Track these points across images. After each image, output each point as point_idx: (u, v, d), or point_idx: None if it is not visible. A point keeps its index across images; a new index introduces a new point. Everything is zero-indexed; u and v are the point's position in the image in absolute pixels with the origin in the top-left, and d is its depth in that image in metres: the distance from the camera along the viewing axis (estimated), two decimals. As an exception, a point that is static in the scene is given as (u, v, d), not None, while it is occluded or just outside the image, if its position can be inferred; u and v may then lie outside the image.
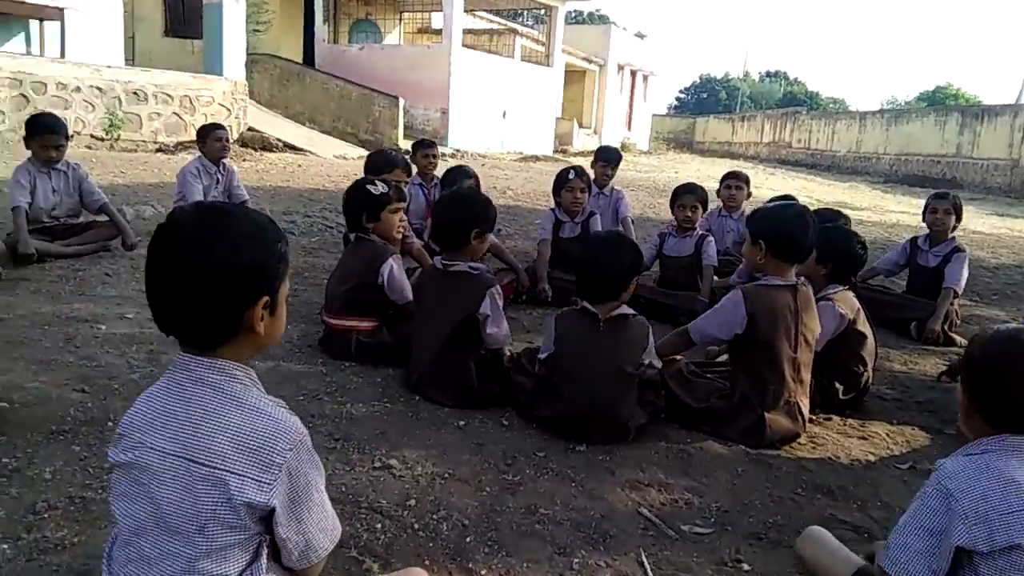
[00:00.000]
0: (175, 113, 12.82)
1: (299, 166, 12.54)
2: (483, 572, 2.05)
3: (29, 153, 5.02)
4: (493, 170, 15.20)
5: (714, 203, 6.00)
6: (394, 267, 3.56)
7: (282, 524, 1.41)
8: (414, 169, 6.57)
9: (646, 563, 2.17)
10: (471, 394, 3.14)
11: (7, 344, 3.38)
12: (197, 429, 1.40)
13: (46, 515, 2.12)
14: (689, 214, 5.07)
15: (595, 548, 2.22)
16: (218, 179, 6.21)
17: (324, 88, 18.02)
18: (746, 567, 2.20)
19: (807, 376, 3.15)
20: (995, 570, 1.62)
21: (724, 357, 3.53)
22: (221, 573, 1.39)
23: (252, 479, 1.38)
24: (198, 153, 6.19)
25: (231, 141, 6.24)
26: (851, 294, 3.60)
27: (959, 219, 5.29)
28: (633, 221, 6.53)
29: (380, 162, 4.48)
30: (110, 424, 2.69)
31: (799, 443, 3.11)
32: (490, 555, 2.14)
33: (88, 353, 3.36)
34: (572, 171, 5.26)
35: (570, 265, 5.25)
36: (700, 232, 5.15)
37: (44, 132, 4.97)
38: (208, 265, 1.38)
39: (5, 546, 1.96)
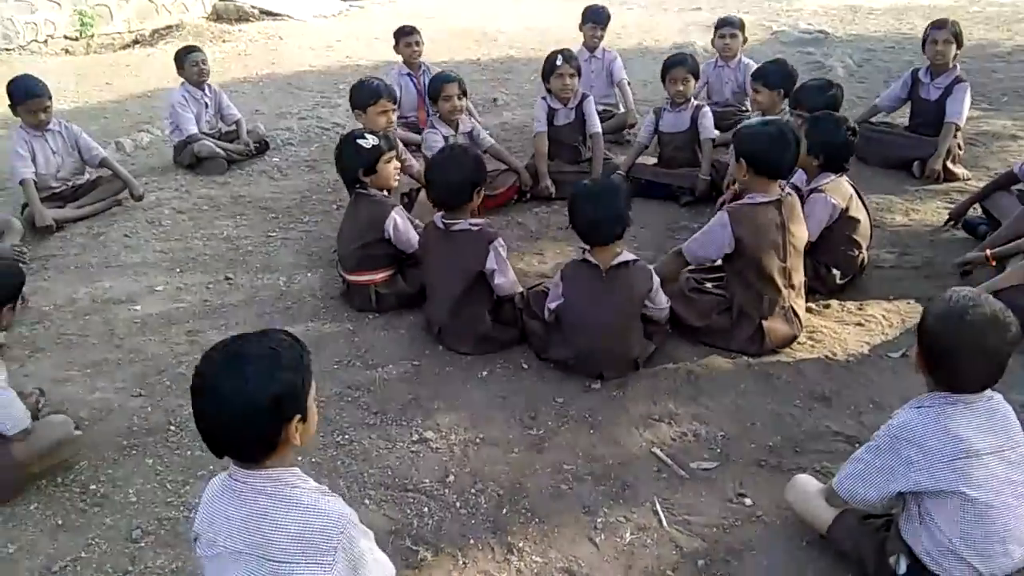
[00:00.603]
0: (143, -4, 12.28)
1: (280, 39, 12.11)
2: (520, 544, 2.39)
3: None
4: (481, 3, 14.52)
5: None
6: (397, 220, 3.69)
7: None
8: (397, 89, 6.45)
9: (660, 511, 2.49)
10: (489, 341, 3.39)
11: (57, 345, 3.66)
12: (262, 532, 1.66)
13: (143, 543, 2.47)
14: (680, 87, 4.98)
15: (615, 502, 2.55)
16: (206, 103, 6.17)
17: (289, -66, 16.85)
18: (748, 502, 2.52)
19: (799, 279, 3.33)
20: (938, 508, 1.91)
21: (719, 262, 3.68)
22: None
23: (315, 564, 1.66)
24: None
25: (207, 64, 6.10)
26: (844, 181, 3.67)
27: (960, 46, 5.15)
28: (629, 83, 6.42)
29: (364, 96, 4.42)
30: (172, 429, 3.00)
31: (798, 343, 3.34)
32: (525, 524, 2.47)
33: (133, 345, 3.62)
34: (560, 56, 5.14)
35: (567, 154, 5.32)
36: (695, 103, 5.08)
37: (28, 97, 4.94)
38: (247, 405, 1.60)
39: (118, 581, 2.33)
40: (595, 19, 6.32)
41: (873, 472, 2.04)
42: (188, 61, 5.95)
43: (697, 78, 5.14)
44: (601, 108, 6.19)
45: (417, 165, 4.79)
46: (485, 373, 3.27)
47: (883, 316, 3.56)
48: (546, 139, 5.23)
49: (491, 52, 10.51)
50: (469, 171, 3.36)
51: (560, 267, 3.39)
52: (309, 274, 4.29)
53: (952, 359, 1.94)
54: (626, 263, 3.12)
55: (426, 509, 2.55)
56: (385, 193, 3.87)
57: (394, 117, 4.50)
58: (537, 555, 2.35)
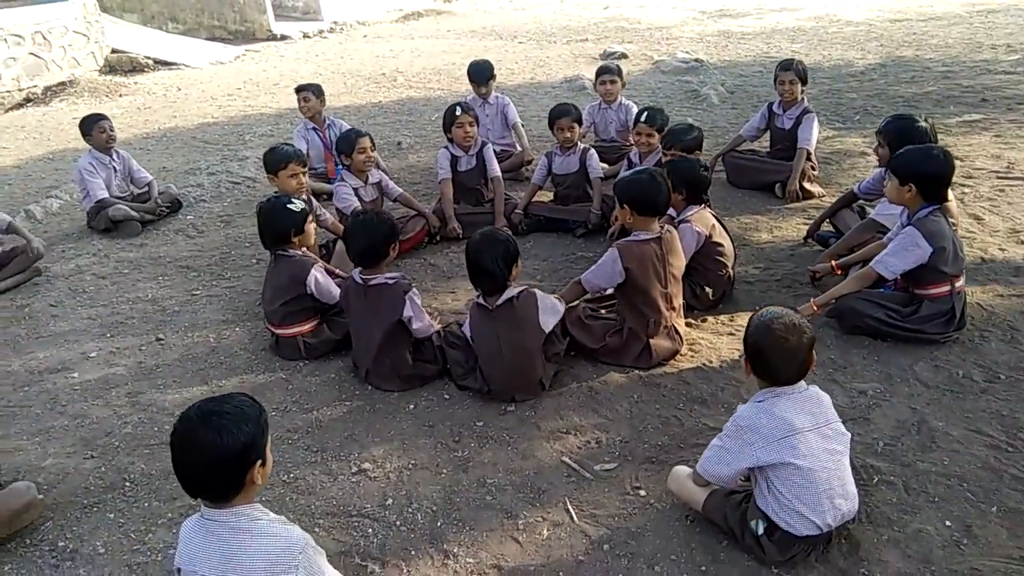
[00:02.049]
0: (32, 53, 12.11)
1: (178, 89, 12.21)
2: (456, 550, 2.79)
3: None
4: (376, 44, 14.95)
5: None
6: (318, 277, 4.06)
7: None
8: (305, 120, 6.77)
9: (571, 509, 2.94)
10: (413, 379, 3.79)
11: (1, 417, 3.84)
12: (236, 560, 2.03)
13: (117, 588, 2.75)
14: (568, 134, 5.53)
15: (533, 505, 2.99)
16: (115, 168, 6.38)
17: (177, -19, 16.91)
18: (643, 493, 3.00)
19: (679, 302, 3.88)
20: (778, 478, 2.45)
21: (611, 290, 4.18)
22: None
23: None
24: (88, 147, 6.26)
25: (114, 130, 6.31)
26: (707, 212, 4.25)
27: (804, 83, 5.90)
28: (522, 124, 6.96)
29: (275, 161, 4.75)
30: (127, 485, 3.28)
31: (680, 355, 3.88)
32: (458, 532, 2.88)
33: (76, 411, 3.85)
34: (458, 107, 5.62)
35: (471, 197, 5.79)
36: (582, 146, 5.64)
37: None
38: (221, 454, 1.98)
39: (99, 624, 2.61)
40: (476, 79, 6.85)
41: (724, 455, 2.59)
42: (96, 128, 6.15)
43: (581, 124, 5.69)
44: (499, 149, 6.72)
45: (330, 217, 5.16)
46: (412, 406, 3.67)
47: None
48: (450, 184, 5.69)
49: (390, 94, 10.92)
50: (384, 234, 3.76)
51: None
52: (237, 329, 4.59)
53: (767, 360, 2.51)
54: (509, 299, 3.57)
55: (370, 530, 2.92)
56: (303, 251, 4.22)
57: (304, 179, 4.85)
58: (470, 557, 2.76)
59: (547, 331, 3.63)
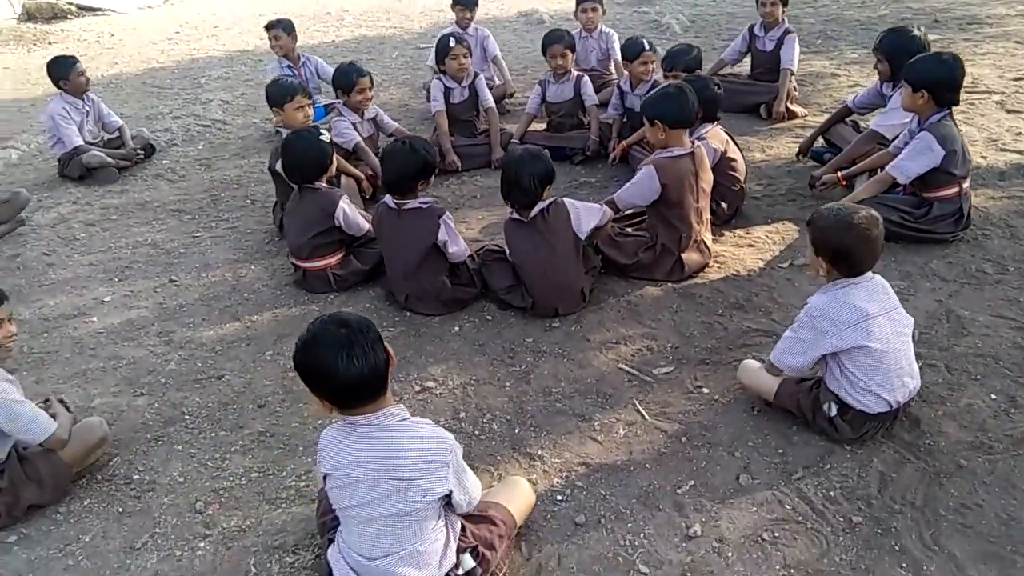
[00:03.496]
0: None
1: (111, 35, 11.62)
2: (539, 452, 2.90)
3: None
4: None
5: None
6: (346, 209, 4.03)
7: (456, 493, 2.17)
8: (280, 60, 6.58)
9: (641, 409, 3.07)
10: (453, 302, 3.83)
11: (29, 364, 3.73)
12: (392, 460, 2.10)
13: (209, 511, 2.76)
14: (560, 61, 5.54)
15: (603, 408, 3.10)
16: (87, 112, 6.08)
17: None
18: (705, 390, 3.15)
19: (707, 216, 4.00)
20: (851, 362, 2.65)
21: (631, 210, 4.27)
22: (424, 527, 2.15)
23: (433, 478, 2.10)
24: (57, 93, 5.95)
25: (85, 72, 6.01)
26: (719, 129, 4.37)
27: (786, 4, 6.03)
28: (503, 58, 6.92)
29: (280, 94, 4.60)
30: (187, 418, 3.25)
31: (709, 268, 4.02)
32: (537, 437, 2.98)
33: (109, 353, 3.76)
34: (451, 38, 5.55)
35: (464, 129, 5.76)
36: (576, 74, 5.66)
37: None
38: (374, 361, 2.04)
39: (202, 543, 2.63)
40: (464, 2, 6.75)
41: (798, 344, 2.74)
42: (73, 72, 5.86)
43: (574, 51, 5.70)
44: None
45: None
46: (456, 328, 3.72)
47: (767, 236, 4.32)
48: (445, 116, 5.65)
49: (342, 33, 10.65)
50: (417, 167, 3.75)
51: (486, 229, 3.86)
52: (252, 267, 4.52)
53: (851, 254, 2.63)
54: (542, 210, 3.64)
55: (451, 441, 2.99)
56: (326, 184, 4.17)
57: (311, 111, 4.75)
58: (555, 458, 2.87)
59: (585, 232, 3.70)
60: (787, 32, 5.97)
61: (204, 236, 4.97)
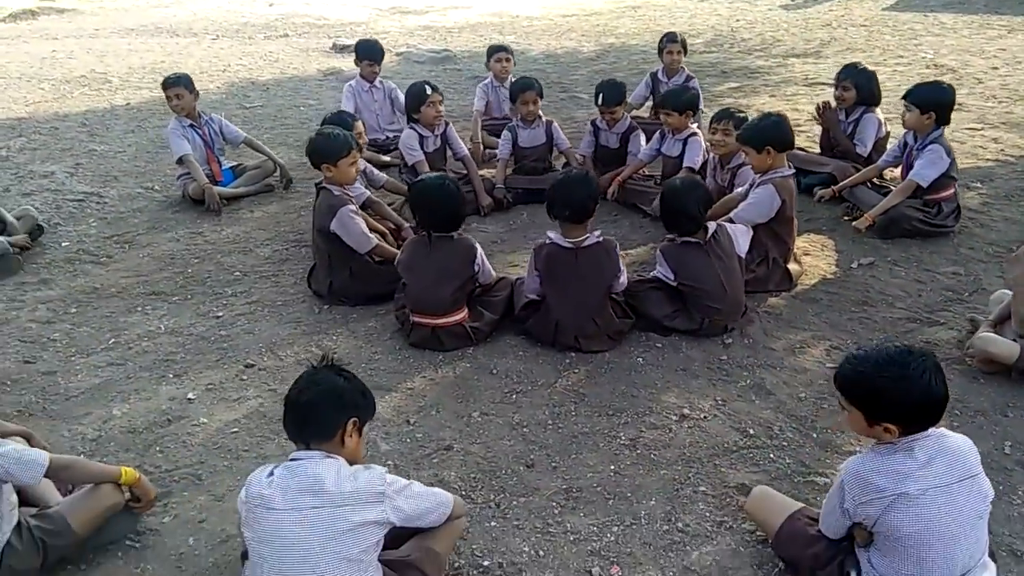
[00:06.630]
0: None
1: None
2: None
3: None
4: (27, 45, 12.35)
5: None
6: (484, 256, 3.94)
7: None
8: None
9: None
10: (617, 335, 3.83)
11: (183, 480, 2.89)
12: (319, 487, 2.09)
13: None
14: (532, 107, 5.61)
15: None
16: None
17: None
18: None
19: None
20: (883, 524, 2.13)
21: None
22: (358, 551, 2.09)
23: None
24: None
25: None
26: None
27: (685, 53, 6.78)
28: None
29: (335, 149, 4.04)
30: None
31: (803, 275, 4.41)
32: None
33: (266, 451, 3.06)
34: (427, 86, 5.37)
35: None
36: (545, 119, 5.76)
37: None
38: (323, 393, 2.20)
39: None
40: (371, 56, 6.54)
41: (833, 511, 2.26)
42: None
43: (542, 97, 5.78)
44: (391, 134, 6.54)
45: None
46: (654, 356, 3.69)
47: (814, 245, 4.81)
48: (427, 166, 5.41)
49: (125, 95, 9.36)
50: (590, 191, 3.73)
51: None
52: (334, 337, 3.97)
53: (901, 408, 2.07)
54: (714, 232, 3.80)
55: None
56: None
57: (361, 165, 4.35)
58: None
59: (744, 251, 3.93)
60: (688, 77, 6.66)
61: (227, 316, 4.19)
